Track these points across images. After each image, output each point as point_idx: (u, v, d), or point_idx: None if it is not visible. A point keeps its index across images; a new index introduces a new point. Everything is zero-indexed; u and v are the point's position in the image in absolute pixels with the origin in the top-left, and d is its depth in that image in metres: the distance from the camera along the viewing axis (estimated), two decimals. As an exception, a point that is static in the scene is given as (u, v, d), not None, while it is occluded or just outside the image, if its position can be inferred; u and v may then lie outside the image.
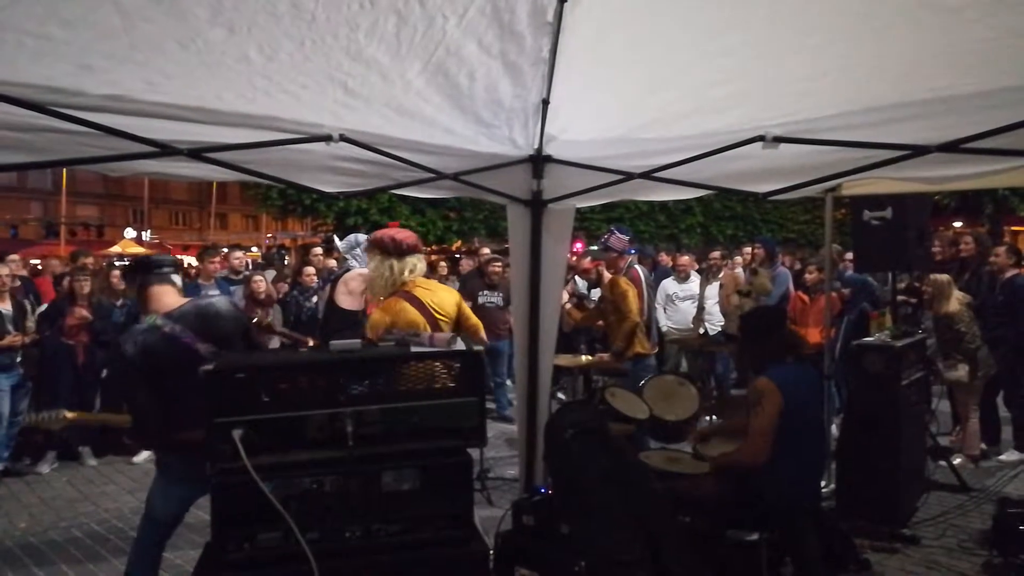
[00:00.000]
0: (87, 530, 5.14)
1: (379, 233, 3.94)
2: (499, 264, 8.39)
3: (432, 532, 2.47)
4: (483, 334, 4.09)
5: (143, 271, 3.25)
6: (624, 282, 5.94)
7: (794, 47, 2.44)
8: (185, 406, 2.98)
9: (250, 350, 3.21)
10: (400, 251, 3.77)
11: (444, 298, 3.87)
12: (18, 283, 6.58)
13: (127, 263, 3.39)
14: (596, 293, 9.35)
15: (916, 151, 2.54)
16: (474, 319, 4.04)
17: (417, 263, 3.84)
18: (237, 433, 2.28)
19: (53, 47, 2.03)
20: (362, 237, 5.91)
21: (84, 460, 6.71)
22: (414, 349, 2.56)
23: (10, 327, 6.11)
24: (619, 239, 6.58)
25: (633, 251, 7.11)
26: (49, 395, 6.68)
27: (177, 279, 3.29)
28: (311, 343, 6.65)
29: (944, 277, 6.26)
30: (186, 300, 3.26)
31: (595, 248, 8.38)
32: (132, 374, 3.09)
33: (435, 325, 3.64)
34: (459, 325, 3.86)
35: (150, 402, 3.11)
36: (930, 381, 6.62)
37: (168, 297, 3.22)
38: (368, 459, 2.42)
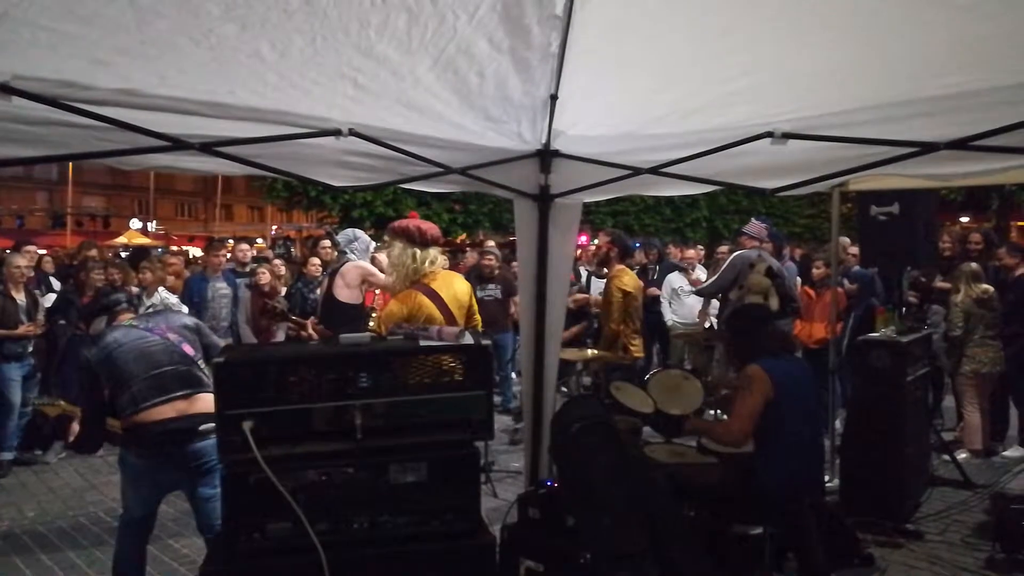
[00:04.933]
0: (94, 518, 5.18)
1: (404, 222, 3.92)
2: (491, 257, 8.42)
3: (439, 524, 2.50)
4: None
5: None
6: (616, 289, 5.89)
7: (803, 44, 2.44)
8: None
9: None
10: (424, 241, 3.77)
11: (460, 290, 3.87)
12: (31, 274, 6.63)
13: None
14: (596, 285, 9.40)
15: (925, 148, 2.53)
16: (477, 316, 4.06)
17: (438, 256, 3.84)
18: (247, 425, 2.30)
19: (67, 42, 2.04)
20: (360, 232, 5.97)
21: (91, 450, 6.75)
22: (422, 343, 2.58)
23: (24, 317, 6.16)
24: (756, 225, 6.63)
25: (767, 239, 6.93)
26: (60, 384, 6.74)
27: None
28: (310, 324, 6.71)
29: (972, 267, 6.27)
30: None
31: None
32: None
33: (450, 318, 3.65)
34: (469, 318, 3.89)
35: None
36: (942, 377, 6.65)
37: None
38: (376, 451, 2.45)
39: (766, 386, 3.38)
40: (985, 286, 6.21)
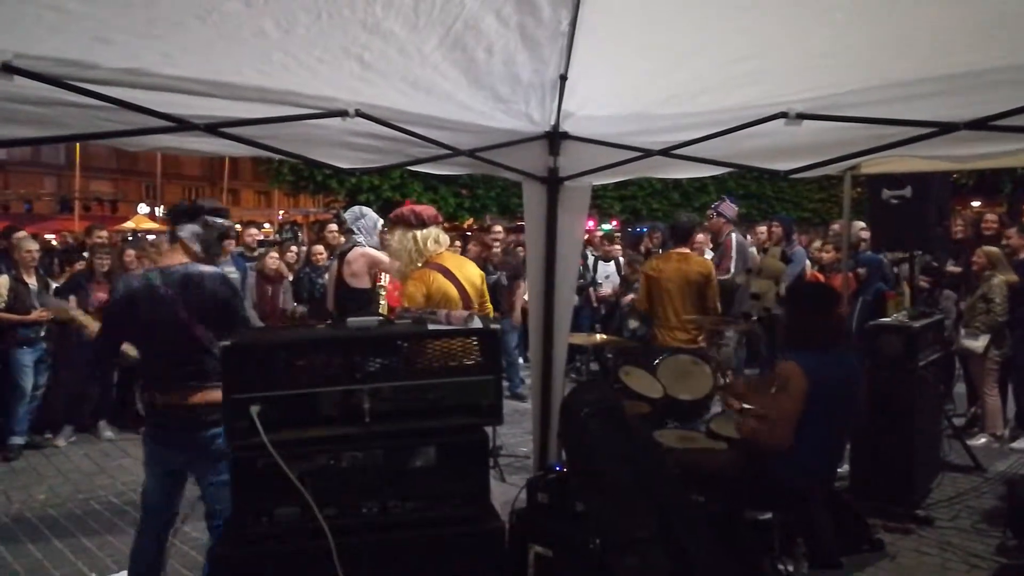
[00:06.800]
0: (105, 502, 5.21)
1: (400, 210, 4.04)
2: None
3: (448, 509, 2.48)
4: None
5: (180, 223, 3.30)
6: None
7: (819, 22, 2.39)
8: (153, 366, 3.21)
9: (232, 326, 3.12)
10: (421, 222, 3.88)
11: (472, 272, 3.97)
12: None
13: (177, 210, 3.44)
14: (602, 269, 9.38)
15: (943, 128, 2.48)
16: (489, 304, 4.09)
17: (439, 234, 3.94)
18: (255, 409, 2.29)
19: (71, 20, 2.00)
20: (367, 209, 5.92)
21: (101, 433, 6.78)
22: (431, 327, 2.55)
23: (35, 302, 6.16)
24: (730, 207, 6.72)
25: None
26: (69, 368, 6.75)
27: (196, 247, 3.29)
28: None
29: (997, 251, 6.28)
30: (183, 263, 3.25)
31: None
32: (112, 310, 3.34)
33: (466, 297, 3.72)
34: (482, 305, 3.90)
35: (113, 340, 3.33)
36: (953, 362, 6.60)
37: (173, 256, 3.27)
38: (385, 436, 2.43)
39: (802, 383, 3.24)
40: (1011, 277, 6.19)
